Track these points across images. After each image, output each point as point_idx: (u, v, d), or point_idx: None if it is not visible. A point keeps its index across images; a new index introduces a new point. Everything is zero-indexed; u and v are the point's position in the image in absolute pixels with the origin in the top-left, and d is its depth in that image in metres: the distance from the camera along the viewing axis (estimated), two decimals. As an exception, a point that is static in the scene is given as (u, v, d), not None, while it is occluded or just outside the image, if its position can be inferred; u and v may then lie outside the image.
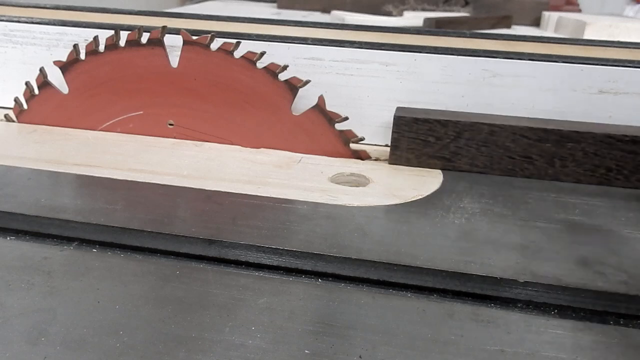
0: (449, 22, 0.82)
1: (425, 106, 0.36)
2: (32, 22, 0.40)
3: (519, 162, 0.33)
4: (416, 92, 0.36)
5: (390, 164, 0.35)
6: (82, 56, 0.36)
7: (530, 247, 0.25)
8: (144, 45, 0.35)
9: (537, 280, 0.23)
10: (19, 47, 0.40)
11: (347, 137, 0.35)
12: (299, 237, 0.25)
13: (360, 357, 0.19)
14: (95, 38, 0.36)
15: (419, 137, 0.34)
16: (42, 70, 0.37)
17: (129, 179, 0.31)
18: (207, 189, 0.30)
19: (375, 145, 0.37)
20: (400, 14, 0.94)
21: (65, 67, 0.37)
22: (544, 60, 0.35)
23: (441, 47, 0.36)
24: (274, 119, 0.35)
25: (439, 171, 0.34)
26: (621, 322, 0.22)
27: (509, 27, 0.90)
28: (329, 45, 0.37)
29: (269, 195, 0.30)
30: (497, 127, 0.33)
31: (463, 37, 0.44)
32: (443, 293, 0.23)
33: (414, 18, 0.86)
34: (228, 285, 0.23)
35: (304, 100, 0.35)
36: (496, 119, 0.33)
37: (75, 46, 0.36)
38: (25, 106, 0.39)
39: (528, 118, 0.34)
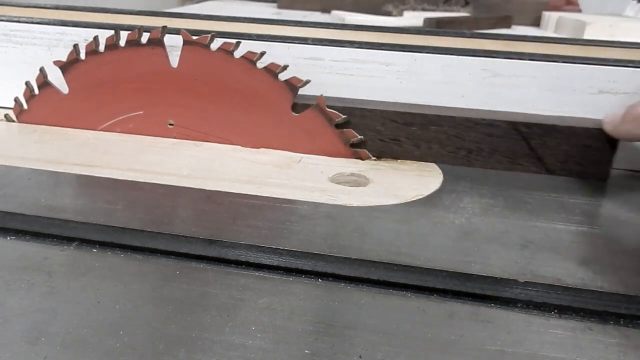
0: (449, 22, 0.82)
1: None
2: (32, 22, 0.40)
3: (389, 144, 0.35)
4: (416, 92, 0.36)
5: None
6: (82, 56, 0.36)
7: (530, 247, 0.25)
8: (144, 45, 0.35)
9: (537, 280, 0.23)
10: (19, 47, 0.40)
11: (347, 137, 0.35)
12: (299, 237, 0.25)
13: (360, 357, 0.19)
14: (95, 38, 0.36)
15: None
16: (42, 70, 0.37)
17: (129, 179, 0.31)
18: (207, 189, 0.30)
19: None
20: (400, 14, 0.94)
21: (65, 67, 0.37)
22: (544, 60, 0.35)
23: (441, 47, 0.36)
24: (274, 118, 0.35)
25: (439, 171, 0.34)
26: (621, 322, 0.22)
27: (509, 27, 0.90)
28: (329, 45, 0.37)
29: (269, 195, 0.30)
30: (368, 112, 0.34)
31: (463, 37, 0.44)
32: (443, 293, 0.23)
33: (414, 18, 0.86)
34: (228, 285, 0.23)
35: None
36: (368, 104, 0.35)
37: (75, 46, 0.36)
38: (25, 106, 0.39)
39: (397, 103, 0.35)
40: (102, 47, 0.36)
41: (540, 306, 0.22)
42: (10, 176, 0.31)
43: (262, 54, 0.35)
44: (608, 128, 0.32)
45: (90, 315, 0.21)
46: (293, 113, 0.35)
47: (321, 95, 0.34)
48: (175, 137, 0.38)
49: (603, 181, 0.34)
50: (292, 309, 0.22)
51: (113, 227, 0.26)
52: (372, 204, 0.29)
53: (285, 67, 0.35)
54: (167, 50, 0.35)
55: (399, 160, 0.35)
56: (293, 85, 0.34)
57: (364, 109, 0.34)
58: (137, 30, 0.35)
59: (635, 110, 0.30)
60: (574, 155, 0.33)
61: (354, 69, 0.37)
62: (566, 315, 0.22)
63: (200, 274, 0.24)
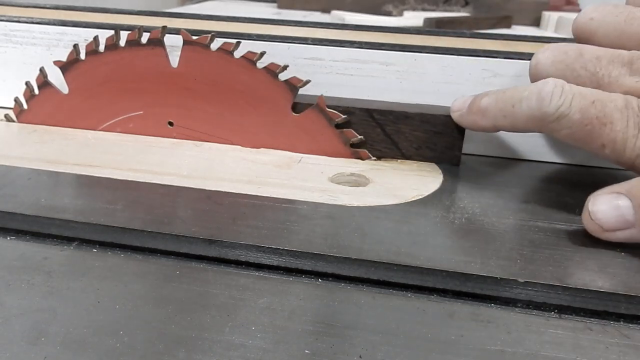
0: (449, 22, 0.82)
1: None
2: (32, 22, 0.40)
3: None
4: (416, 92, 0.36)
5: None
6: (82, 56, 0.36)
7: (530, 247, 0.25)
8: (144, 45, 0.35)
9: (537, 280, 0.23)
10: (19, 47, 0.40)
11: (347, 137, 0.35)
12: (299, 237, 0.25)
13: (360, 357, 0.19)
14: (95, 38, 0.36)
15: None
16: (42, 70, 0.37)
17: (129, 179, 0.31)
18: (207, 189, 0.30)
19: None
20: (400, 14, 0.94)
21: (65, 67, 0.37)
22: (544, 60, 0.35)
23: (441, 47, 0.37)
24: (274, 118, 0.35)
25: (439, 171, 0.34)
26: (621, 322, 0.22)
27: (509, 27, 0.90)
28: (329, 45, 0.37)
29: (269, 195, 0.30)
30: None
31: (463, 37, 0.44)
32: (443, 293, 0.23)
33: (414, 18, 0.86)
34: (228, 285, 0.23)
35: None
36: None
37: (75, 46, 0.36)
38: (25, 106, 0.39)
39: None
40: (102, 47, 0.36)
41: (540, 306, 0.22)
42: (10, 176, 0.31)
43: (262, 54, 0.35)
44: (455, 116, 0.33)
45: (90, 315, 0.21)
46: (293, 113, 0.35)
47: (321, 95, 0.34)
48: (175, 137, 0.38)
49: (456, 166, 0.35)
50: (292, 309, 0.22)
51: (113, 227, 0.26)
52: (372, 204, 0.29)
53: (285, 67, 0.35)
54: (167, 50, 0.35)
55: (399, 160, 0.35)
56: (293, 85, 0.34)
57: None
58: (137, 30, 0.35)
59: (478, 102, 0.31)
60: (427, 142, 0.35)
61: (354, 69, 0.37)
62: (566, 315, 0.22)
63: (200, 274, 0.24)
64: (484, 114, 0.30)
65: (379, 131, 0.35)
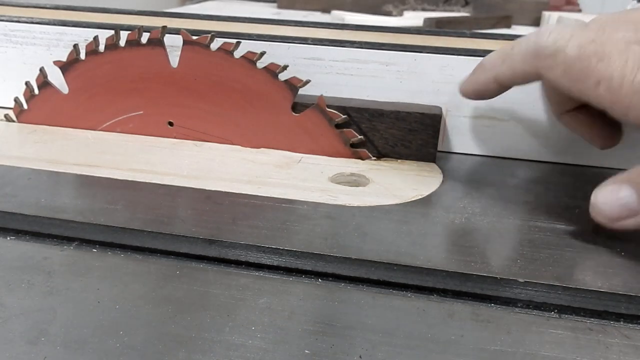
0: (449, 22, 0.82)
1: None
2: (32, 22, 0.40)
3: None
4: (416, 92, 0.36)
5: None
6: (82, 56, 0.36)
7: (530, 247, 0.25)
8: (144, 45, 0.35)
9: (537, 280, 0.23)
10: (19, 47, 0.40)
11: (347, 137, 0.35)
12: (299, 237, 0.25)
13: (360, 357, 0.19)
14: (95, 38, 0.36)
15: None
16: (42, 70, 0.37)
17: (129, 179, 0.31)
18: (207, 189, 0.30)
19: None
20: (400, 14, 0.94)
21: (65, 67, 0.37)
22: (544, 60, 0.35)
23: (441, 47, 0.36)
24: (274, 118, 0.35)
25: (439, 171, 0.34)
26: (621, 322, 0.22)
27: (509, 27, 0.90)
28: (329, 45, 0.37)
29: (269, 195, 0.30)
30: None
31: (463, 37, 0.44)
32: (443, 293, 0.23)
33: (414, 18, 0.86)
34: (228, 285, 0.23)
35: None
36: None
37: (75, 46, 0.36)
38: (25, 106, 0.39)
39: None
40: (102, 47, 0.36)
41: (540, 306, 0.22)
42: (10, 176, 0.31)
43: (262, 54, 0.35)
44: (461, 88, 0.33)
45: (90, 315, 0.21)
46: (293, 113, 0.35)
47: (321, 95, 0.34)
48: (175, 137, 0.38)
49: (432, 163, 0.35)
50: (292, 309, 0.22)
51: (113, 227, 0.26)
52: (372, 204, 0.29)
53: (285, 67, 0.35)
54: (167, 50, 0.35)
55: (399, 161, 0.35)
56: (293, 85, 0.34)
57: None
58: (137, 30, 0.35)
59: (481, 61, 0.31)
60: (402, 139, 0.35)
61: (354, 69, 0.37)
62: (566, 315, 0.22)
63: (200, 274, 0.24)
64: (484, 68, 0.31)
65: (355, 129, 0.35)
